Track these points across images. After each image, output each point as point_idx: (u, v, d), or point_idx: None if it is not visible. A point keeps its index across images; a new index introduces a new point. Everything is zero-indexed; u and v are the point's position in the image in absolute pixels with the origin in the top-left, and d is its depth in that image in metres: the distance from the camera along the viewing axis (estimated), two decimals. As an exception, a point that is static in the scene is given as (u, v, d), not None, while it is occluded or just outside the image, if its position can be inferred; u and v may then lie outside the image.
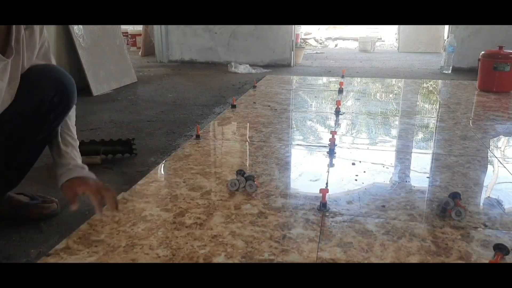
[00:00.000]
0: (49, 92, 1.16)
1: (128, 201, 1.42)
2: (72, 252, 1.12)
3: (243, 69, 4.68)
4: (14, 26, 1.01)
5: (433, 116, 2.83)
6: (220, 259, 1.09)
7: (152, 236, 1.20)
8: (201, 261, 1.09)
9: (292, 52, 5.12)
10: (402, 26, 7.45)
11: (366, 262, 1.10)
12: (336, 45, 8.90)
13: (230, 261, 1.09)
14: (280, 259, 1.10)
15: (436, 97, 3.44)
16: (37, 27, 1.16)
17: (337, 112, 2.67)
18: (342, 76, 4.12)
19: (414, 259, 1.11)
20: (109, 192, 1.18)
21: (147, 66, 5.20)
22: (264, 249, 1.13)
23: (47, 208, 1.36)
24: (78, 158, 1.25)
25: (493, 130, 2.37)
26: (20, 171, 1.29)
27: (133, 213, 1.34)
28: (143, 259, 1.09)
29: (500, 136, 2.30)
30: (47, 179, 1.62)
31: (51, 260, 1.10)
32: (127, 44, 6.72)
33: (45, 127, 1.20)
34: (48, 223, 1.32)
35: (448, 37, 4.64)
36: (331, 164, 1.82)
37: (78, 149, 1.28)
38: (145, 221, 1.29)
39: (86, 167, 1.24)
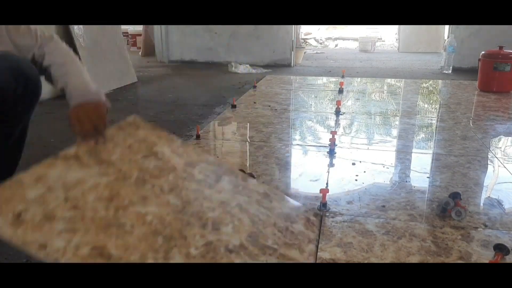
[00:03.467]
0: (10, 85, 1.10)
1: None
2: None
3: (243, 69, 4.68)
4: None
5: (433, 116, 2.83)
6: (228, 229, 1.02)
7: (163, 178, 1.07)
8: (209, 225, 1.01)
9: (292, 52, 5.12)
10: (402, 26, 7.44)
11: (366, 262, 1.10)
12: (336, 45, 8.90)
13: (237, 236, 1.02)
14: (282, 251, 1.06)
15: (436, 97, 3.44)
16: None
17: (337, 112, 2.67)
18: (342, 76, 4.12)
19: (414, 259, 1.11)
20: (101, 129, 1.04)
21: (147, 66, 5.19)
22: (268, 235, 1.07)
23: None
24: (81, 72, 1.13)
25: (493, 130, 2.37)
26: (7, 169, 1.27)
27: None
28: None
29: (500, 136, 2.30)
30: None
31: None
32: (127, 44, 6.72)
33: (16, 121, 1.17)
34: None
35: (448, 37, 4.64)
36: (331, 164, 1.82)
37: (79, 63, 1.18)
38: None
39: (90, 84, 1.11)
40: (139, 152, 1.08)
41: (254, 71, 4.69)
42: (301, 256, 1.10)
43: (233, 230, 1.04)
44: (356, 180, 1.64)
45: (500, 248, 1.12)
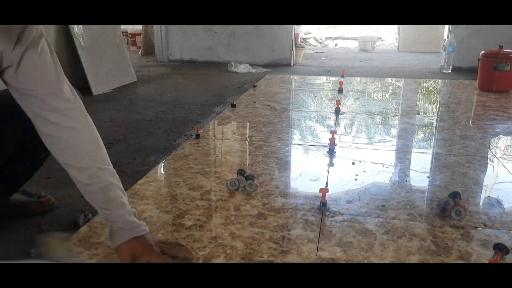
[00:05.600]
0: (17, 146, 1.11)
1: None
2: (72, 253, 1.12)
3: (243, 68, 4.68)
4: None
5: (433, 116, 2.83)
6: (219, 260, 1.09)
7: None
8: (200, 262, 1.09)
9: (292, 52, 5.12)
10: (402, 26, 7.44)
11: (366, 261, 1.10)
12: (336, 45, 8.89)
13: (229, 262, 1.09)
14: (279, 260, 1.10)
15: (436, 96, 3.44)
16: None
17: (337, 112, 2.67)
18: (342, 76, 4.12)
19: (414, 259, 1.11)
20: (174, 249, 1.06)
21: (147, 65, 5.19)
22: (263, 251, 1.13)
23: (47, 202, 1.37)
24: (125, 201, 1.03)
25: (493, 130, 2.37)
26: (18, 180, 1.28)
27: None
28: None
29: (500, 136, 2.30)
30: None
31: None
32: (127, 43, 6.71)
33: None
34: (48, 223, 1.32)
35: (448, 37, 4.64)
36: (331, 164, 1.82)
37: (119, 181, 1.05)
38: (145, 223, 1.28)
39: (136, 216, 1.04)
40: None
41: (253, 70, 4.68)
42: (300, 257, 1.11)
43: (225, 259, 1.09)
44: (356, 179, 1.64)
45: (499, 248, 1.12)
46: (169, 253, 1.04)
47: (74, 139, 0.98)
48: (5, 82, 0.95)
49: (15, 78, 0.92)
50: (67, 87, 0.99)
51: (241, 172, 1.58)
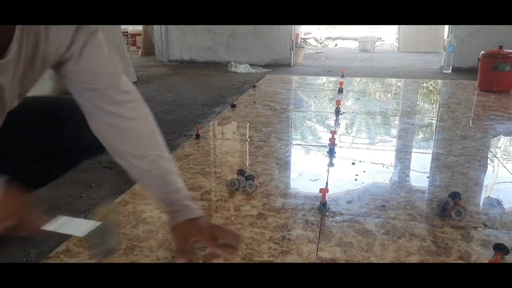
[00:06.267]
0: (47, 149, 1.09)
1: (128, 203, 1.42)
2: (72, 254, 1.12)
3: (243, 68, 4.68)
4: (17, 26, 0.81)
5: (433, 116, 2.83)
6: (219, 260, 1.09)
7: (152, 238, 1.20)
8: (200, 262, 1.09)
9: (292, 52, 5.12)
10: (402, 26, 7.44)
11: (366, 262, 1.10)
12: (336, 45, 8.89)
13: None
14: (279, 260, 1.10)
15: (436, 96, 3.44)
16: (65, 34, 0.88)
17: (337, 112, 2.67)
18: (342, 76, 4.12)
19: (414, 259, 1.11)
20: (225, 232, 1.07)
21: (147, 65, 5.19)
22: (263, 251, 1.13)
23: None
24: (181, 186, 1.07)
25: (493, 130, 2.37)
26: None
27: (133, 215, 1.34)
28: (143, 261, 1.09)
29: (500, 136, 2.30)
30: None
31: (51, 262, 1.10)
32: (127, 43, 6.71)
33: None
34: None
35: (448, 37, 4.64)
36: (331, 164, 1.82)
37: (175, 168, 1.08)
38: (145, 223, 1.29)
39: (190, 200, 1.08)
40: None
41: (253, 70, 4.68)
42: (300, 258, 1.11)
43: (225, 260, 1.09)
44: (356, 179, 1.64)
45: (499, 248, 1.12)
46: (219, 235, 1.05)
47: (135, 129, 1.01)
48: (63, 76, 0.95)
49: (75, 71, 0.93)
50: (124, 79, 1.01)
51: (241, 172, 1.58)
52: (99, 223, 0.89)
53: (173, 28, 5.33)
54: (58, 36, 0.86)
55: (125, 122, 0.99)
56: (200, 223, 1.04)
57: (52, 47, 0.86)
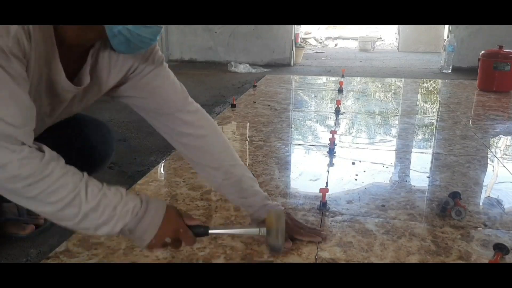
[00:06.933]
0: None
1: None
2: (72, 255, 1.12)
3: (243, 68, 4.68)
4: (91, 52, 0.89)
5: (433, 116, 2.83)
6: (219, 260, 1.09)
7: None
8: (200, 262, 1.09)
9: (292, 52, 5.12)
10: (402, 26, 7.44)
11: (366, 261, 1.10)
12: (336, 45, 8.89)
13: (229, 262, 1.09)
14: (279, 260, 1.10)
15: (436, 96, 3.44)
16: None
17: (337, 112, 2.67)
18: (342, 76, 4.12)
19: (414, 259, 1.11)
20: (306, 228, 1.21)
21: (147, 65, 5.18)
22: (263, 251, 1.13)
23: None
24: (258, 189, 1.15)
25: (493, 130, 2.37)
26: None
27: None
28: (142, 261, 1.09)
29: (500, 136, 2.30)
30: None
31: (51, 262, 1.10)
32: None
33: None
34: (48, 223, 1.32)
35: (448, 37, 4.64)
36: (331, 164, 1.82)
37: (249, 172, 1.17)
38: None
39: (269, 199, 1.15)
40: None
41: (253, 70, 4.68)
42: (300, 258, 1.11)
43: (225, 259, 1.10)
44: (356, 179, 1.64)
45: (499, 248, 1.12)
46: (302, 227, 1.18)
47: (207, 144, 1.10)
48: (134, 106, 1.08)
49: (139, 99, 1.04)
50: (190, 100, 1.11)
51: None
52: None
53: (173, 28, 5.33)
54: (119, 62, 0.95)
55: (197, 139, 1.09)
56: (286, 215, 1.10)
57: (116, 73, 0.96)
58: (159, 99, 1.04)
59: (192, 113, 1.09)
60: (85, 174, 0.81)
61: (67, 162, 0.79)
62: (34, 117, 0.78)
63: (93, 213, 0.78)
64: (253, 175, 1.17)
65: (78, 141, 1.17)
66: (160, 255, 1.11)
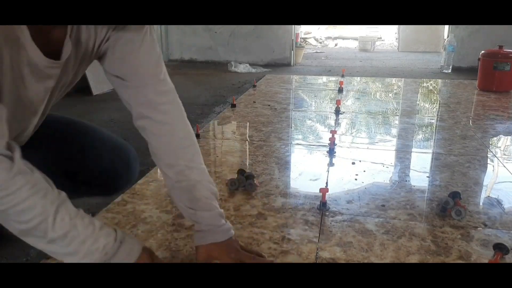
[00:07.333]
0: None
1: (127, 203, 1.42)
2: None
3: (243, 68, 4.68)
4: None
5: (433, 116, 2.83)
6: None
7: (152, 238, 1.20)
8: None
9: (292, 52, 5.12)
10: (402, 26, 7.44)
11: (366, 261, 1.10)
12: (336, 45, 8.89)
13: None
14: (279, 260, 1.10)
15: (436, 96, 3.44)
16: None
17: (337, 112, 2.67)
18: (342, 76, 4.12)
19: (414, 259, 1.11)
20: (254, 260, 0.98)
21: (147, 65, 5.19)
22: (263, 251, 1.13)
23: None
24: (211, 202, 0.98)
25: (493, 130, 2.37)
26: None
27: (133, 215, 1.34)
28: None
29: (500, 136, 2.30)
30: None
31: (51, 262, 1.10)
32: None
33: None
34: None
35: (448, 37, 4.64)
36: (331, 164, 1.82)
37: (209, 181, 0.99)
38: (145, 223, 1.28)
39: (223, 218, 0.99)
40: None
41: (253, 70, 4.68)
42: (300, 258, 1.11)
43: None
44: (356, 179, 1.64)
45: (499, 248, 1.12)
46: (247, 262, 0.97)
47: (165, 134, 0.94)
48: (104, 70, 0.94)
49: (111, 64, 0.91)
50: (164, 78, 0.95)
51: (241, 172, 1.58)
52: None
53: (173, 28, 5.33)
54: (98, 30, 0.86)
55: (156, 125, 0.93)
56: (226, 246, 0.96)
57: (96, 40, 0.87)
58: (128, 68, 0.90)
59: (159, 94, 0.93)
60: (62, 195, 0.74)
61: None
62: (3, 118, 0.70)
63: (61, 241, 0.72)
64: (215, 186, 1.00)
65: (103, 165, 1.12)
66: (160, 255, 1.11)
